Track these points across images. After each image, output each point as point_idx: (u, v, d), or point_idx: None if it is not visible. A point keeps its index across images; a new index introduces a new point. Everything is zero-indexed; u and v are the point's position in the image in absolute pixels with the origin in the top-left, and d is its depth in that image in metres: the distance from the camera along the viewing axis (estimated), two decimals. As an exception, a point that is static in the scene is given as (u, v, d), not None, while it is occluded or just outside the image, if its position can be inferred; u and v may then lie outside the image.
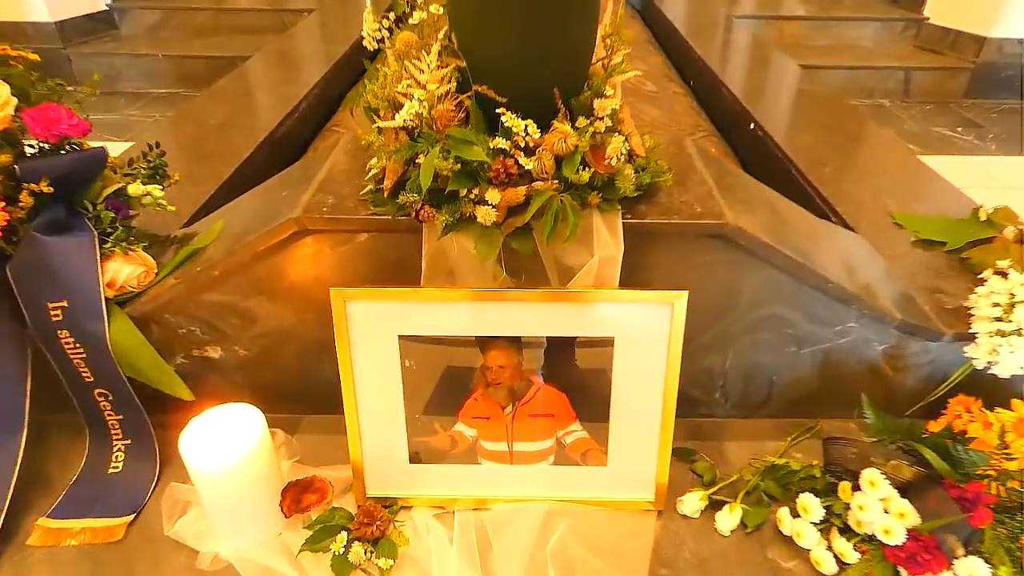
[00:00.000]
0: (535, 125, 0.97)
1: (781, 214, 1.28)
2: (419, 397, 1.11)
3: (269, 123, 1.97)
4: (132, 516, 1.10)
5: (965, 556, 0.94)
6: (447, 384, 1.09)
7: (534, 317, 1.05)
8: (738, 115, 2.19)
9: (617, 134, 1.06)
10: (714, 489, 1.16)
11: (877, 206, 1.58)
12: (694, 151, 1.32)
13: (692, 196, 1.16)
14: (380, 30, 1.09)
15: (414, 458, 1.15)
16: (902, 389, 1.28)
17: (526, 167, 1.00)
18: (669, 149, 1.30)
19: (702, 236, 1.15)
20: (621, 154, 1.04)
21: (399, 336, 1.07)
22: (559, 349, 1.08)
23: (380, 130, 1.07)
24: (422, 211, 1.05)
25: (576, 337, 1.07)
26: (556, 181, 1.03)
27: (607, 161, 1.02)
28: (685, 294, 1.02)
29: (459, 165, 0.99)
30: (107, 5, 4.79)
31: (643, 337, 1.06)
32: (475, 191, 1.03)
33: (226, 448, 0.99)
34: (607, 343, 1.07)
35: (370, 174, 1.13)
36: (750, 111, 2.11)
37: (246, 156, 1.77)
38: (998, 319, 1.10)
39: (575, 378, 1.09)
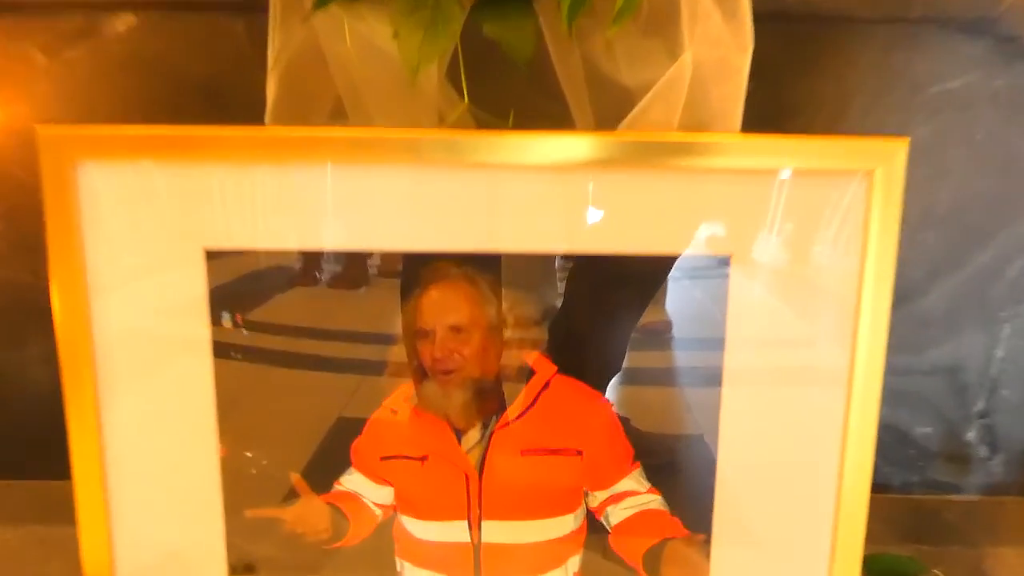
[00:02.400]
0: None
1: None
2: (258, 440, 0.64)
3: None
4: None
5: None
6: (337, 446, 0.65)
7: (534, 207, 0.54)
8: None
9: None
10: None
11: None
12: None
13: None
14: None
15: (242, 568, 0.63)
16: None
17: None
18: None
19: (945, 29, 0.80)
20: None
21: (205, 251, 0.55)
22: (590, 295, 0.64)
23: None
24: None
25: (632, 262, 0.56)
26: None
27: None
28: (902, 149, 0.52)
29: None
30: None
31: (802, 271, 0.56)
32: None
33: None
34: (708, 272, 0.59)
35: None
36: None
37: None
38: None
39: (633, 375, 0.66)
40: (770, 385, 0.58)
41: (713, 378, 0.62)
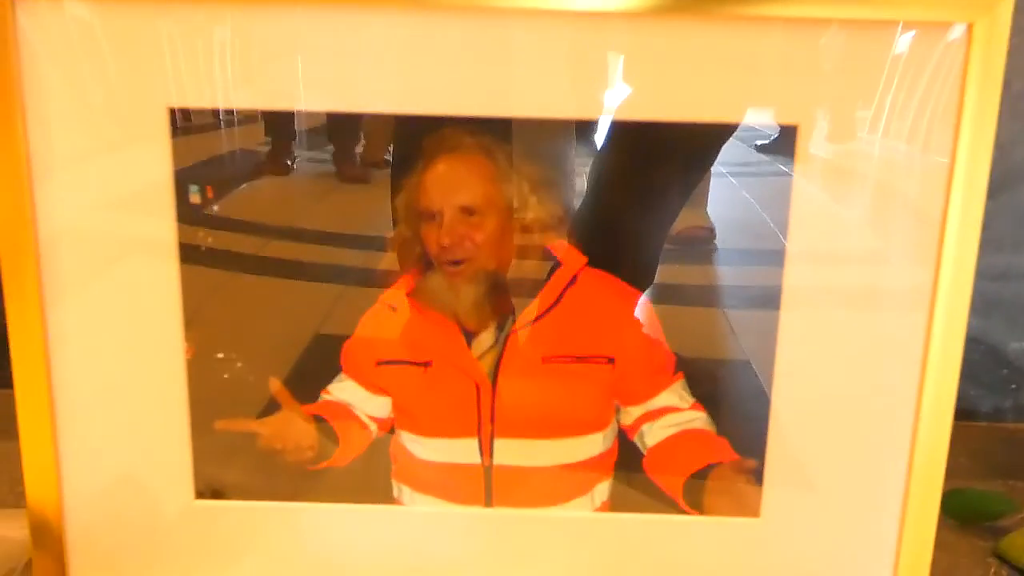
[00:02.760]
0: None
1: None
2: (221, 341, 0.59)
3: None
4: None
5: None
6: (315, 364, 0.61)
7: (551, 62, 0.49)
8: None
9: None
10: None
11: None
12: None
13: None
14: None
15: (209, 493, 0.57)
16: None
17: None
18: None
19: None
20: None
21: (169, 108, 0.49)
22: (618, 180, 0.58)
23: None
24: None
25: (671, 136, 0.52)
26: None
27: None
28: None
29: None
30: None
31: (881, 152, 0.51)
32: None
33: None
34: (758, 169, 0.56)
35: None
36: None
37: None
38: None
39: (669, 292, 0.60)
40: (837, 305, 0.55)
41: (761, 298, 0.57)
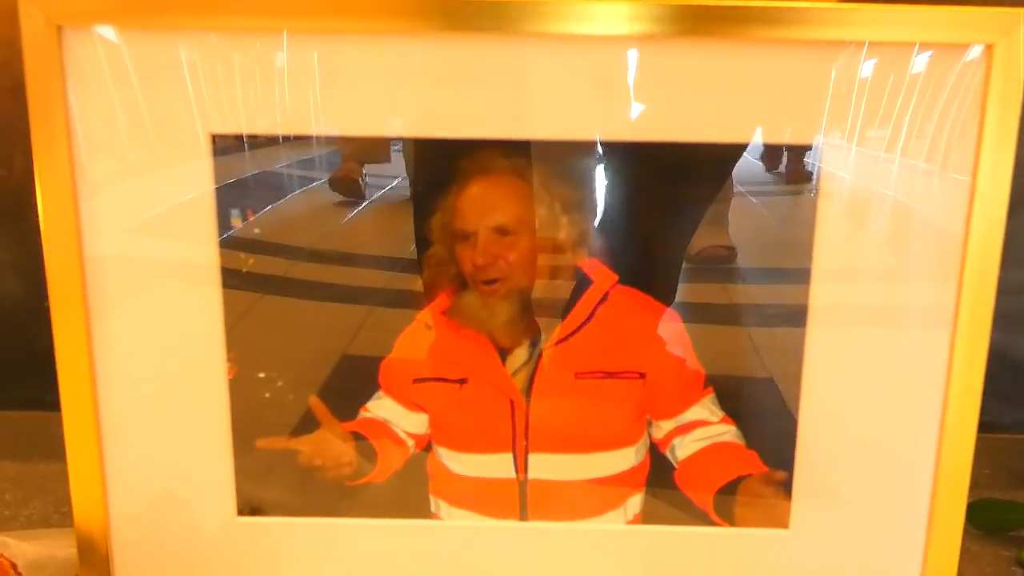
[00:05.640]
0: None
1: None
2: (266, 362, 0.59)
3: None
4: None
5: None
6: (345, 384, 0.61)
7: (569, 85, 0.49)
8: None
9: None
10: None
11: None
12: None
13: None
14: None
15: (248, 511, 0.57)
16: None
17: None
18: None
19: None
20: None
21: (212, 135, 0.50)
22: (635, 200, 0.58)
23: None
24: None
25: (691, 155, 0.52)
26: None
27: None
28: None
29: None
30: None
31: (903, 171, 0.51)
32: None
33: None
34: (777, 190, 0.57)
35: None
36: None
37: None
38: None
39: (690, 311, 0.60)
40: (862, 322, 0.55)
41: (782, 316, 0.58)
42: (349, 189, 0.59)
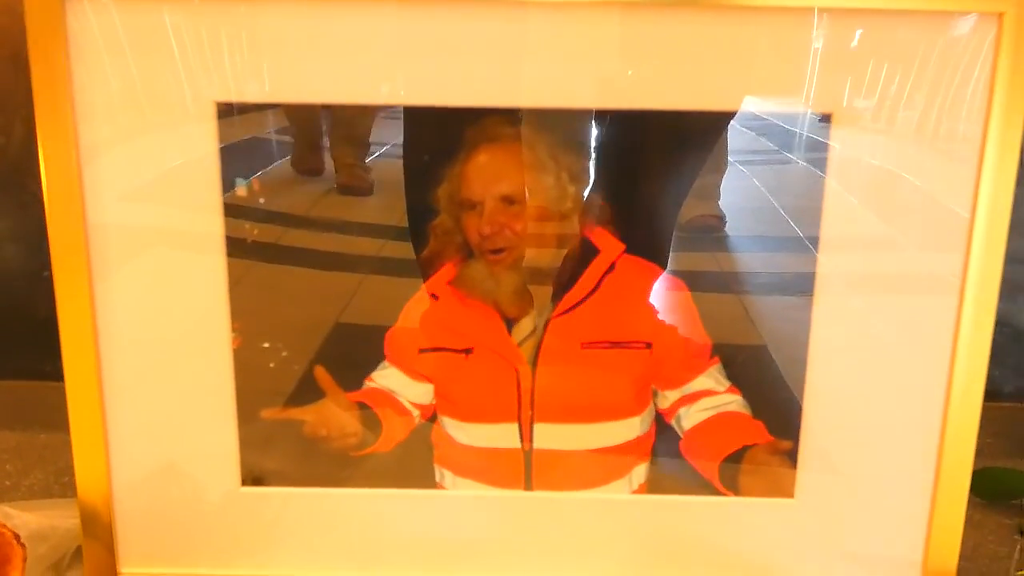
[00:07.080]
0: None
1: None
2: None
3: None
4: None
5: None
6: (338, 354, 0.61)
7: (561, 51, 0.49)
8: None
9: None
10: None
11: None
12: None
13: None
14: None
15: (251, 480, 0.57)
16: None
17: None
18: None
19: None
20: None
21: (215, 102, 0.49)
22: (629, 168, 0.59)
23: None
24: None
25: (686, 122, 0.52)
26: None
27: None
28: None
29: None
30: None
31: (913, 139, 0.50)
32: None
33: None
34: (768, 158, 0.58)
35: None
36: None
37: None
38: None
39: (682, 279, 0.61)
40: (869, 291, 0.55)
41: (775, 284, 0.60)
42: (360, 190, 0.61)
